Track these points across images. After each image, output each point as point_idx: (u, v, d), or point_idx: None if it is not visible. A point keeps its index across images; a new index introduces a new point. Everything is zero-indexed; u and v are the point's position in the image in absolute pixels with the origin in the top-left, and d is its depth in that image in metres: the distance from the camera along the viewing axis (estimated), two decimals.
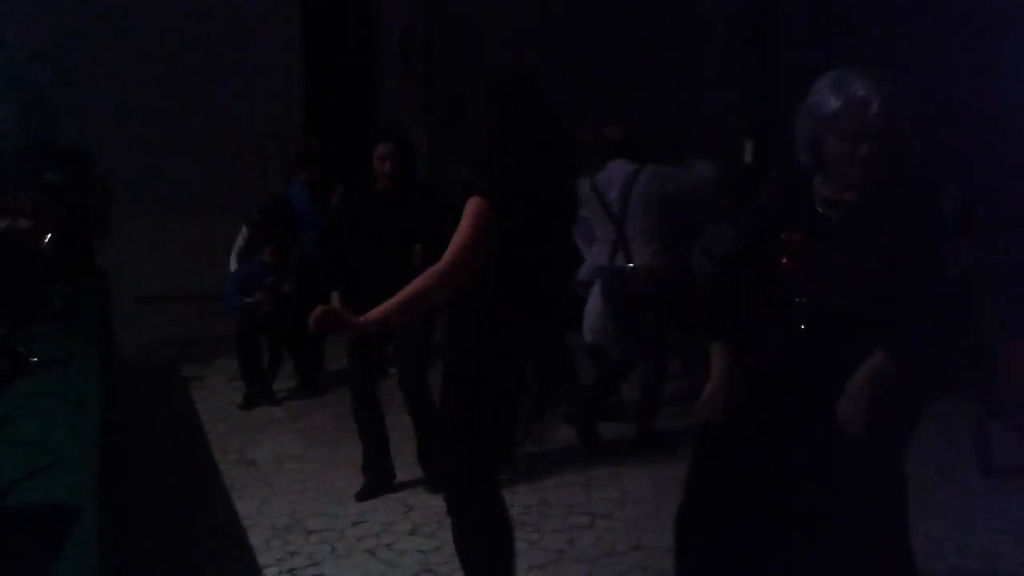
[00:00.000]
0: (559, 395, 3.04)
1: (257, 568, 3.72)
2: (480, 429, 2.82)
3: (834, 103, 2.31)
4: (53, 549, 1.80)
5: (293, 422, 5.70)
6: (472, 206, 2.61)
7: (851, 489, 2.25)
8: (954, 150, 7.60)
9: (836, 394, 2.24)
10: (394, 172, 4.26)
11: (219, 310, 7.30)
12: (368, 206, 4.46)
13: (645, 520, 4.18)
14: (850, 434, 2.21)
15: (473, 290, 2.72)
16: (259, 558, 3.80)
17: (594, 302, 5.36)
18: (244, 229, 6.43)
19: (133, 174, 8.32)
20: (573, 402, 5.25)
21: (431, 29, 10.01)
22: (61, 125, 6.79)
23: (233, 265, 6.39)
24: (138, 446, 5.05)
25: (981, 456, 4.68)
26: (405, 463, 4.61)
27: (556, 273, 2.95)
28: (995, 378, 4.62)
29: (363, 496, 4.39)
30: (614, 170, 5.10)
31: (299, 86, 9.54)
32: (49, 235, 4.49)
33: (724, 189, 6.42)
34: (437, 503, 4.29)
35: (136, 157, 8.34)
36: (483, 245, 2.61)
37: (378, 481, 4.45)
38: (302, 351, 6.30)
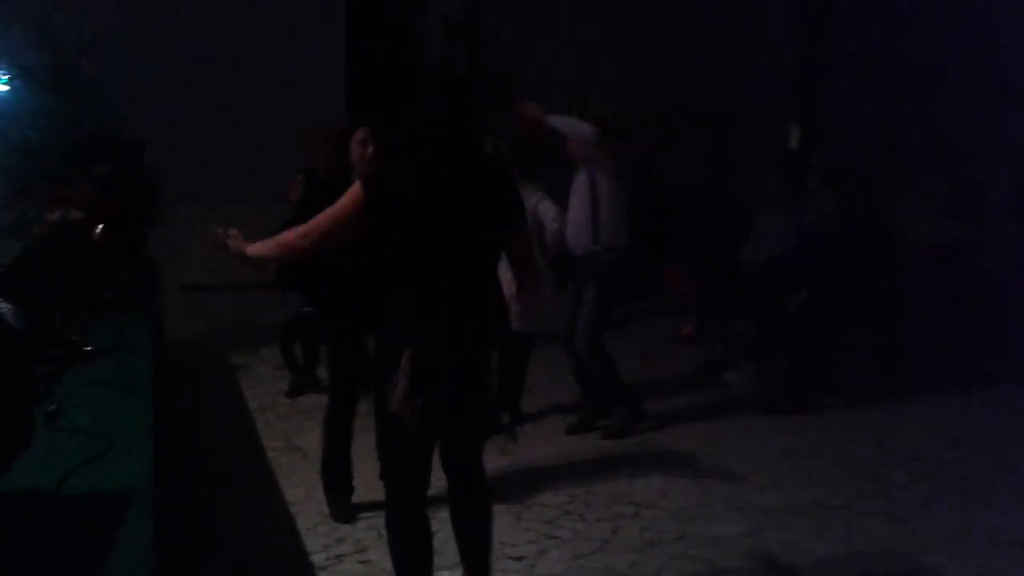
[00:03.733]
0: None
1: (305, 553, 3.76)
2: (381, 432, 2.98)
3: None
4: (109, 535, 1.84)
5: None
6: (351, 189, 2.84)
7: None
8: (1008, 136, 7.45)
9: None
10: (374, 158, 3.94)
11: (266, 298, 7.39)
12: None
13: (690, 509, 4.17)
14: None
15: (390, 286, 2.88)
16: (307, 543, 3.85)
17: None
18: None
19: (180, 164, 8.43)
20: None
21: (472, 17, 10.00)
22: (110, 117, 6.90)
23: None
24: (188, 433, 5.14)
25: None
26: None
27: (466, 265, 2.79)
28: None
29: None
30: None
31: (342, 75, 9.60)
32: (100, 225, 4.56)
33: (775, 173, 6.37)
34: None
35: (183, 147, 8.45)
36: (343, 223, 2.83)
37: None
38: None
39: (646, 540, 3.87)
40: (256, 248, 3.01)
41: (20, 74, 6.67)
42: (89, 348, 3.20)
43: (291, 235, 2.93)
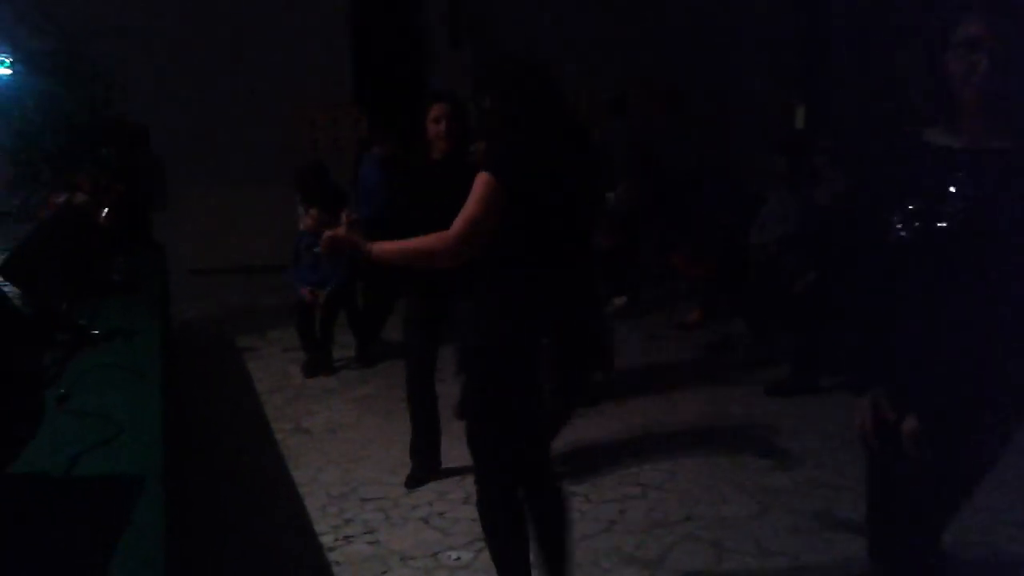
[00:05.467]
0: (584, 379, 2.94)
1: (313, 535, 3.78)
2: (493, 426, 2.84)
3: None
4: (119, 518, 1.85)
5: (347, 392, 5.77)
6: (481, 181, 2.65)
7: None
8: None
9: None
10: (451, 133, 3.99)
11: (272, 281, 7.41)
12: (426, 179, 4.03)
13: (697, 491, 4.17)
14: None
15: (489, 274, 2.76)
16: (315, 525, 3.87)
17: None
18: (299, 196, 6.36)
19: (186, 148, 8.46)
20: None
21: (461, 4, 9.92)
22: (116, 101, 6.90)
23: None
24: (196, 416, 5.16)
25: None
26: (457, 432, 4.65)
27: (573, 250, 2.82)
28: None
29: (412, 482, 4.28)
30: None
31: (348, 57, 9.56)
32: (106, 209, 4.56)
33: (779, 152, 6.32)
34: None
35: (189, 131, 8.46)
36: (490, 219, 2.65)
37: (427, 468, 4.34)
38: (362, 321, 6.35)
39: (653, 521, 3.88)
40: (388, 249, 2.75)
41: (23, 58, 6.67)
42: (97, 332, 3.21)
43: (434, 242, 2.67)
